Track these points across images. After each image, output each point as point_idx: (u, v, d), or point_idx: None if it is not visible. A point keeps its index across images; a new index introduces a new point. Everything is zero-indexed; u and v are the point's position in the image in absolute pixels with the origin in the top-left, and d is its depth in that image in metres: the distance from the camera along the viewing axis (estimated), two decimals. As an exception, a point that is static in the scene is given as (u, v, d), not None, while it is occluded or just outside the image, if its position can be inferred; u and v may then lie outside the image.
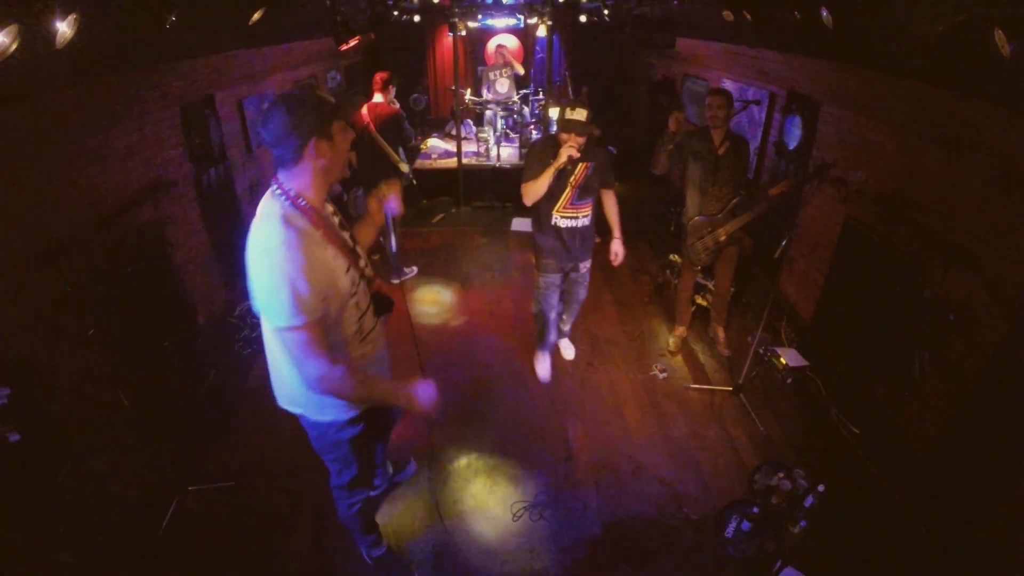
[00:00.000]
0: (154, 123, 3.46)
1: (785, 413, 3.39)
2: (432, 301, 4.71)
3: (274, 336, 1.60)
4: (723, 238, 3.53)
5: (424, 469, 2.99)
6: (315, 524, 2.69)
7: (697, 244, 3.63)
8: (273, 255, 1.46)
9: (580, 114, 2.82)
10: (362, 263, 1.80)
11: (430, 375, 1.77)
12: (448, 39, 8.49)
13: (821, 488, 2.56)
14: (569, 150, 2.79)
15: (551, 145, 2.93)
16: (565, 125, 2.81)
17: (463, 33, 7.44)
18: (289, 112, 1.46)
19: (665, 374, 3.71)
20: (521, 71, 7.30)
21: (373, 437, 2.15)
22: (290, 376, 1.69)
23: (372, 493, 2.50)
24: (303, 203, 1.55)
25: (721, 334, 4.01)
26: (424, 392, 1.70)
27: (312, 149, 1.50)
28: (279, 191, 1.55)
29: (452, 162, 6.74)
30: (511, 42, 8.30)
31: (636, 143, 8.18)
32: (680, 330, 4.07)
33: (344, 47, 4.37)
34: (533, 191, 2.97)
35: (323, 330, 1.56)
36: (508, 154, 7.08)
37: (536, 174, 2.95)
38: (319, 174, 1.56)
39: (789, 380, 3.57)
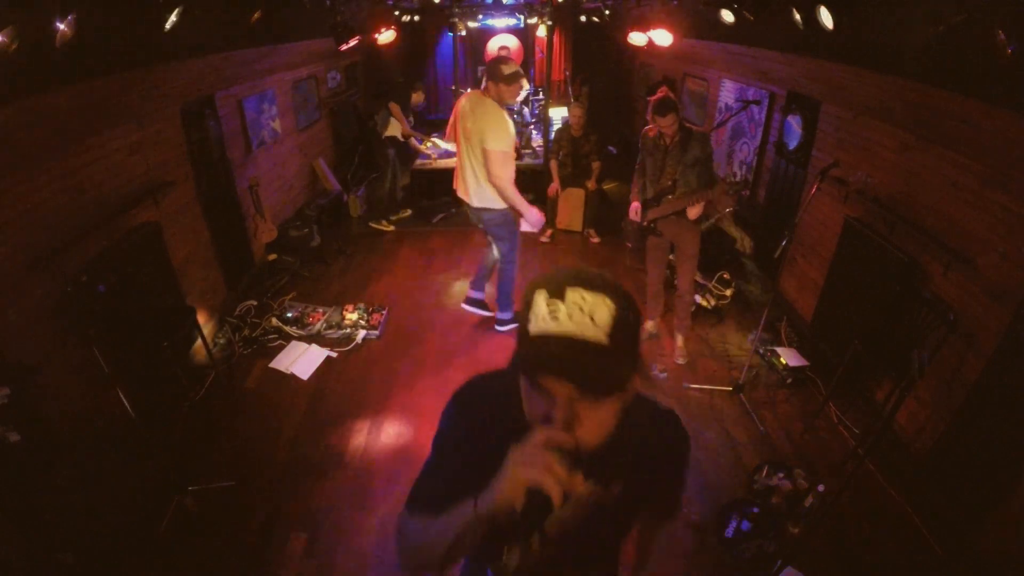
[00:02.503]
0: (154, 123, 3.46)
1: (785, 413, 3.39)
2: (432, 301, 4.71)
3: (493, 158, 3.42)
4: (644, 223, 3.61)
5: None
6: (313, 524, 2.69)
7: (626, 218, 3.75)
8: (504, 116, 3.42)
9: (587, 309, 0.74)
10: None
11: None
12: (448, 39, 8.49)
13: (821, 488, 2.57)
14: (546, 474, 0.73)
15: (508, 413, 0.89)
16: (537, 362, 0.76)
17: (463, 33, 7.44)
18: (507, 64, 3.36)
19: (665, 374, 3.71)
20: (526, 87, 7.35)
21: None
22: (487, 187, 3.57)
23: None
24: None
25: (680, 341, 3.87)
26: (535, 214, 3.70)
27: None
28: (490, 98, 3.46)
29: (452, 162, 6.73)
30: (511, 42, 8.30)
31: (636, 143, 8.17)
32: (650, 324, 4.08)
33: (344, 47, 4.38)
34: (414, 560, 0.98)
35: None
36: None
37: (431, 495, 0.98)
38: None
39: (789, 380, 3.57)
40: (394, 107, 5.94)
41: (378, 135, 6.04)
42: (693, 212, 3.38)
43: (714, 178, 3.46)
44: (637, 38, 5.24)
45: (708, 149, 3.41)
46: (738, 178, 5.30)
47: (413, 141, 6.42)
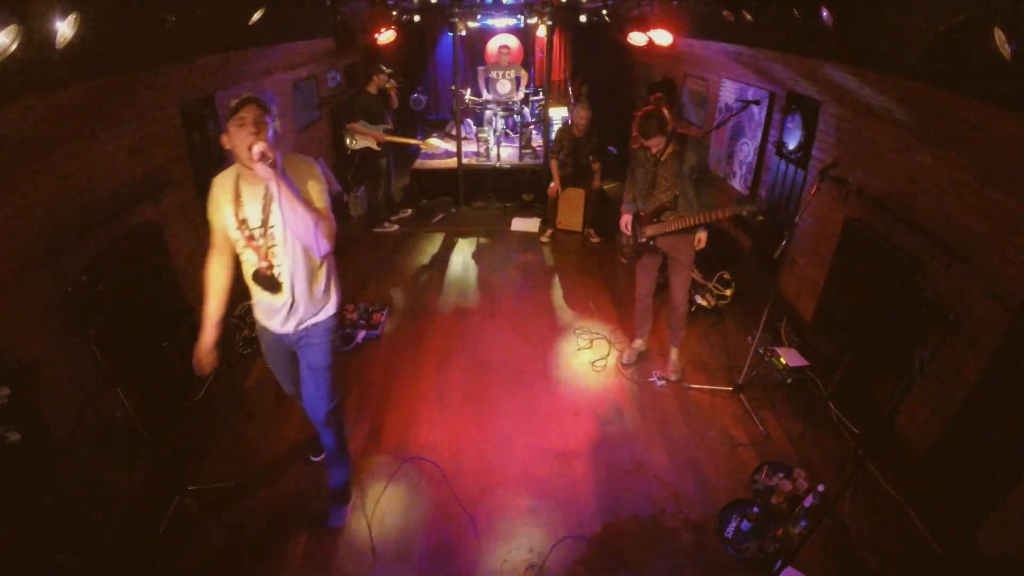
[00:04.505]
0: (154, 123, 3.45)
1: (785, 413, 3.39)
2: (432, 301, 4.71)
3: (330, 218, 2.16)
4: (643, 239, 3.38)
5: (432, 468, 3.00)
6: (312, 524, 2.69)
7: (622, 233, 3.48)
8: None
9: None
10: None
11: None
12: (448, 39, 8.49)
13: (821, 488, 2.57)
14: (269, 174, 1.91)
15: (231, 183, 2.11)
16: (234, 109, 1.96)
17: (463, 33, 7.44)
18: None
19: (663, 382, 3.66)
20: (525, 78, 7.28)
21: None
22: (322, 279, 2.32)
23: None
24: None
25: (674, 355, 3.70)
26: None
27: None
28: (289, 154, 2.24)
29: (452, 162, 6.74)
30: (513, 41, 8.30)
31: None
32: (638, 342, 3.86)
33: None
34: None
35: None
36: (508, 154, 7.09)
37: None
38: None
39: (789, 380, 3.57)
40: (355, 126, 5.61)
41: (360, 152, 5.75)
42: (704, 240, 3.26)
43: (711, 181, 3.29)
44: (637, 38, 5.25)
45: (704, 155, 3.21)
46: (737, 178, 5.30)
47: (399, 139, 6.00)
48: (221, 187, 2.15)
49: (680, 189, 3.21)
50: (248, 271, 2.24)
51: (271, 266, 2.18)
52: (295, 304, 2.28)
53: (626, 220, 3.44)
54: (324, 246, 2.11)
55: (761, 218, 3.11)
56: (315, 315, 2.36)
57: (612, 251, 5.59)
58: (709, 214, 3.16)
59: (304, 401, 2.53)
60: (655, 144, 3.12)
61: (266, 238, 2.13)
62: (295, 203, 1.96)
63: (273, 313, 2.33)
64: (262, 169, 1.87)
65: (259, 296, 2.31)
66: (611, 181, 7.27)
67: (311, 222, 2.01)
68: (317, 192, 2.14)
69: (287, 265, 2.18)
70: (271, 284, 2.21)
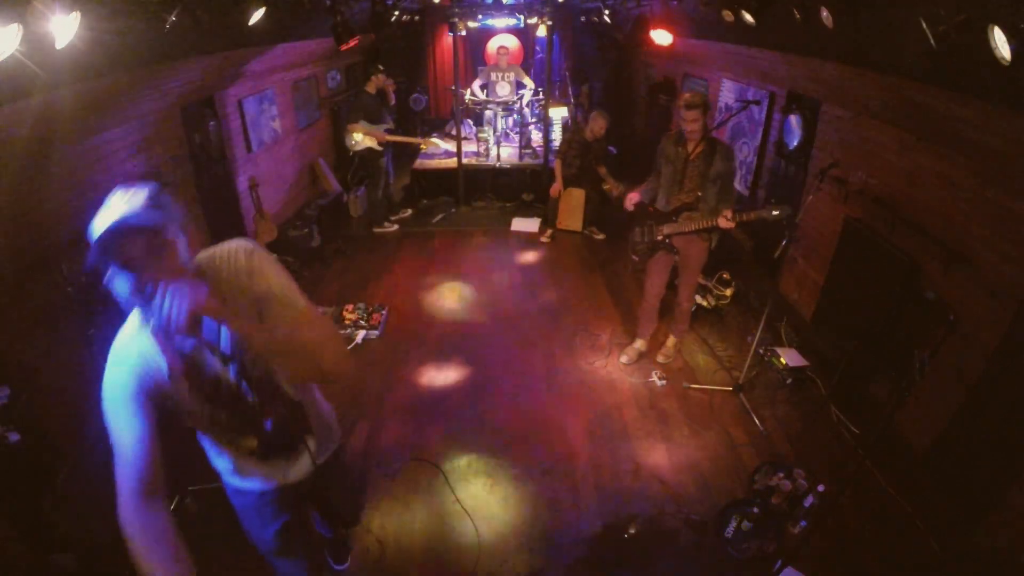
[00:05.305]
0: (154, 123, 3.46)
1: (785, 413, 3.39)
2: (432, 301, 4.71)
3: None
4: (659, 237, 3.39)
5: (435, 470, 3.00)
6: (312, 524, 2.69)
7: (635, 230, 3.52)
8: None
9: None
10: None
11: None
12: (448, 39, 8.50)
13: (821, 488, 2.57)
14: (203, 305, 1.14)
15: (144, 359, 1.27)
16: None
17: (463, 33, 7.44)
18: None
19: (664, 381, 3.67)
20: (530, 84, 7.25)
21: None
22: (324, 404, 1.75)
23: None
24: None
25: (670, 343, 3.85)
26: None
27: None
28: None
29: (452, 162, 6.75)
30: (511, 42, 8.30)
31: (636, 143, 8.18)
32: (639, 343, 3.87)
33: (344, 47, 4.39)
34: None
35: None
36: (508, 154, 7.09)
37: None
38: None
39: (789, 380, 3.57)
40: (356, 127, 5.52)
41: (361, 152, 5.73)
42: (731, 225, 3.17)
43: (732, 191, 3.29)
44: (660, 36, 5.04)
45: (732, 164, 3.23)
46: (737, 178, 5.30)
47: (401, 138, 6.01)
48: (142, 358, 1.27)
49: (703, 192, 3.25)
50: (246, 450, 1.53)
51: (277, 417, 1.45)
52: (316, 434, 1.64)
53: (632, 197, 3.51)
54: (343, 362, 1.37)
55: (785, 221, 3.09)
56: (331, 424, 1.76)
57: (613, 250, 5.60)
58: (726, 221, 3.08)
59: (348, 514, 2.22)
60: (692, 117, 3.09)
61: (254, 384, 1.38)
62: (272, 341, 1.26)
63: (288, 466, 1.63)
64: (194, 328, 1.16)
65: (267, 467, 1.60)
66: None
67: (312, 349, 1.29)
68: (280, 284, 1.36)
69: (293, 397, 1.49)
70: (287, 445, 1.55)
